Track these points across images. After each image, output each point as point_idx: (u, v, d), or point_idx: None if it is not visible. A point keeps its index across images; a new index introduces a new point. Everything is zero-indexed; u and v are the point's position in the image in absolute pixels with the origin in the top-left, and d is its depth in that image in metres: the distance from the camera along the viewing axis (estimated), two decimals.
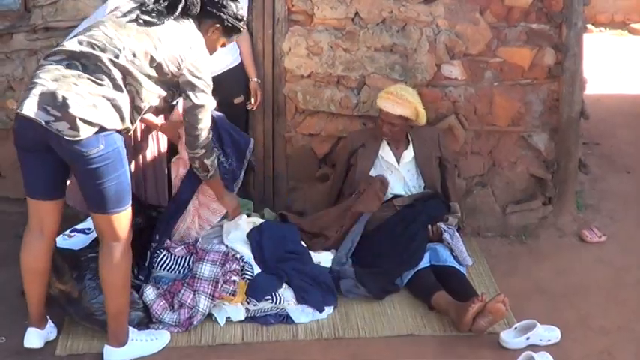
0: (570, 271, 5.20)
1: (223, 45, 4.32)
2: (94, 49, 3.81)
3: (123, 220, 3.93)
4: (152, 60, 3.89)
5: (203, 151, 4.32)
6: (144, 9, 3.97)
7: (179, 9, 3.97)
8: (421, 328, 4.52)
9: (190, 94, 4.05)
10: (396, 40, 5.42)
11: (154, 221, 4.84)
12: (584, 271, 5.21)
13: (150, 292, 4.48)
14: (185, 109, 4.17)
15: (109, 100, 3.73)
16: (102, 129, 3.69)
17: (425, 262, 4.86)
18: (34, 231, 4.06)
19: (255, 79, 5.35)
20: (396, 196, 5.23)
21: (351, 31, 5.43)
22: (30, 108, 3.62)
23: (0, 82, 5.59)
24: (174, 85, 4.04)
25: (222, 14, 4.10)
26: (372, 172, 5.25)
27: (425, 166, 5.27)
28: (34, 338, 4.20)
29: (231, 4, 4.13)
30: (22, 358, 4.20)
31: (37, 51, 5.47)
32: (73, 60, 3.78)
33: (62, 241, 4.58)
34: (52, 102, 3.61)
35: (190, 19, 4.07)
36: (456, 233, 5.07)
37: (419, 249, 4.89)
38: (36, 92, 3.65)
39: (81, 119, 3.61)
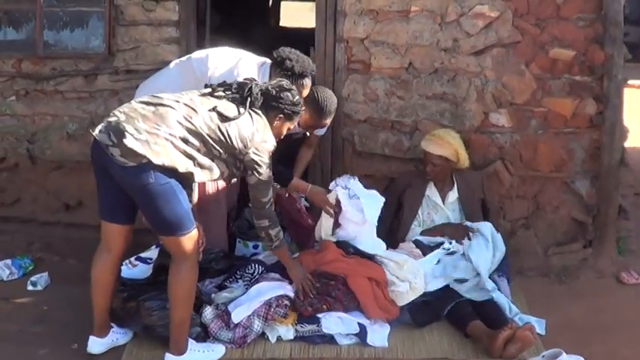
0: (605, 310, 5.34)
1: (289, 129, 4.82)
2: (175, 101, 4.38)
3: (188, 241, 4.38)
4: (224, 132, 4.38)
5: (268, 222, 4.74)
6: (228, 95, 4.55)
7: (247, 104, 4.52)
8: (455, 353, 4.76)
9: (255, 171, 4.55)
10: (447, 89, 5.79)
11: None
12: (618, 310, 5.35)
13: (209, 312, 4.85)
14: (251, 184, 4.63)
15: (170, 141, 4.22)
16: (150, 163, 4.16)
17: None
18: (102, 247, 4.61)
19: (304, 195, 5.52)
20: None
21: (405, 80, 5.81)
22: (99, 130, 4.24)
23: (83, 118, 6.09)
24: (240, 160, 4.52)
25: (280, 105, 4.66)
26: (420, 211, 5.57)
27: (468, 206, 5.58)
28: (94, 345, 4.69)
29: (287, 93, 4.69)
30: None
31: (118, 91, 5.97)
32: (151, 105, 4.33)
33: (126, 271, 5.04)
34: (114, 130, 4.19)
35: (259, 110, 4.62)
36: (505, 282, 5.26)
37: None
38: (108, 120, 4.26)
39: (130, 149, 4.13)
